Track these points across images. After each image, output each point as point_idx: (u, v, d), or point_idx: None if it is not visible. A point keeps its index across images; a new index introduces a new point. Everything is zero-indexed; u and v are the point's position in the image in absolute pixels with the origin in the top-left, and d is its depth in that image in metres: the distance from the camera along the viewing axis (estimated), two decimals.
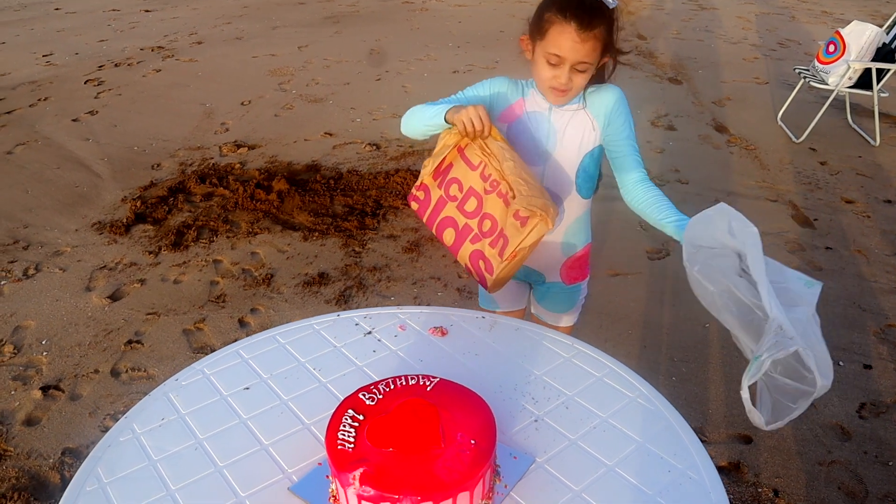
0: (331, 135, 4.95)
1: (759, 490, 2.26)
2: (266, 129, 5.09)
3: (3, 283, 3.31)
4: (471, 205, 1.53)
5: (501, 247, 1.45)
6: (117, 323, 2.99)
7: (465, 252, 1.53)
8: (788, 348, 1.08)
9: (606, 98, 1.62)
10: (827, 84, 4.74)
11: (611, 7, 1.48)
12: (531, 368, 1.34)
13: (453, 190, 1.57)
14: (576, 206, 1.73)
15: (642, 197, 1.62)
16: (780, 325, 1.10)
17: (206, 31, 8.04)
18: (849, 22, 4.76)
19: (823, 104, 4.87)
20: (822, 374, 1.10)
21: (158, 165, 4.50)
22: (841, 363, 2.81)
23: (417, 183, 1.66)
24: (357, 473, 0.98)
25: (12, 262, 3.47)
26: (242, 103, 5.62)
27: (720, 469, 2.33)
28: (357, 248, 3.52)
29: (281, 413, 1.24)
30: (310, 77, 6.23)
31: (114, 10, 9.46)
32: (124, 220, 3.78)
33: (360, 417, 1.07)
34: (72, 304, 3.13)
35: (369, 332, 1.45)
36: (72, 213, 3.92)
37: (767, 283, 1.13)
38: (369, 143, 4.77)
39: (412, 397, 1.10)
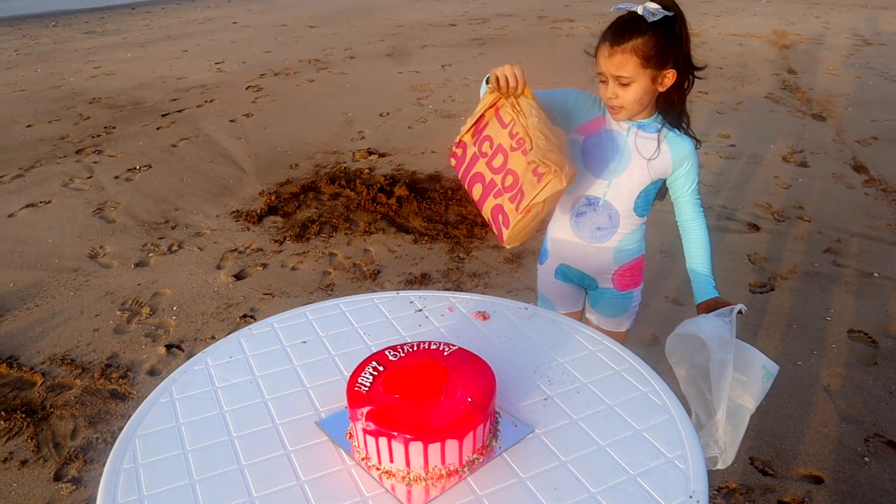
0: None
1: None
2: (398, 139, 5.42)
3: (151, 255, 3.79)
4: (498, 161, 1.58)
5: (518, 201, 1.51)
6: (237, 298, 3.36)
7: (487, 207, 1.60)
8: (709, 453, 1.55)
9: (683, 147, 1.75)
10: None
11: (650, 20, 1.57)
12: (555, 355, 1.46)
13: (485, 147, 1.63)
14: (631, 222, 1.86)
15: (688, 237, 1.82)
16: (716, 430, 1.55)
17: (360, 47, 8.61)
18: None
19: None
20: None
21: (296, 165, 4.93)
22: None
23: (456, 140, 1.73)
24: (365, 410, 1.15)
25: (161, 238, 3.96)
26: (381, 115, 6.01)
27: (780, 503, 2.30)
28: (462, 255, 3.72)
29: (326, 365, 1.44)
30: (447, 94, 6.55)
31: (283, 25, 10.32)
32: (258, 211, 4.19)
33: (381, 368, 1.25)
34: (202, 279, 3.54)
35: (420, 310, 1.63)
36: (216, 202, 4.40)
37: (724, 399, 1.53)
38: None
39: (428, 358, 1.27)
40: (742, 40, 8.62)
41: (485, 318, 1.59)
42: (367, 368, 1.25)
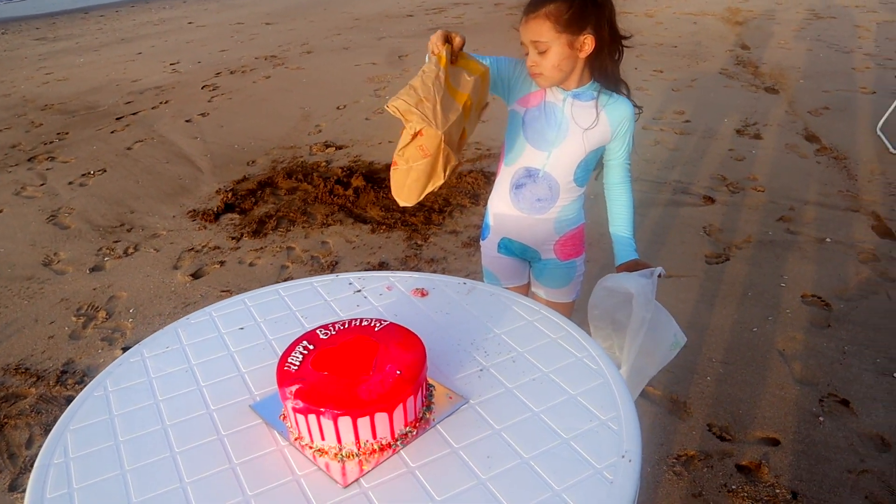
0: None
1: (777, 491, 2.24)
2: (355, 131, 5.39)
3: (106, 259, 3.73)
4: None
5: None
6: (195, 298, 3.32)
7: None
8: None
9: (621, 110, 1.76)
10: None
11: None
12: (492, 327, 1.46)
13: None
14: (570, 192, 1.87)
15: (613, 200, 1.89)
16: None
17: (318, 41, 8.55)
18: None
19: None
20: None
21: (253, 162, 4.89)
22: (895, 375, 2.72)
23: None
24: (293, 389, 1.14)
25: (116, 241, 3.91)
26: (338, 107, 5.97)
27: (739, 467, 2.33)
28: (419, 242, 3.71)
29: (263, 349, 1.43)
30: (404, 83, 6.50)
31: (239, 23, 10.21)
32: (215, 210, 4.15)
33: (311, 347, 1.24)
34: (159, 280, 3.49)
35: (359, 291, 1.62)
36: (172, 202, 4.35)
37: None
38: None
39: (358, 335, 1.26)
40: (696, 18, 8.70)
41: (423, 294, 1.58)
42: (297, 348, 1.24)
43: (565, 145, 1.79)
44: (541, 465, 1.12)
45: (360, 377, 1.16)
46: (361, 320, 1.31)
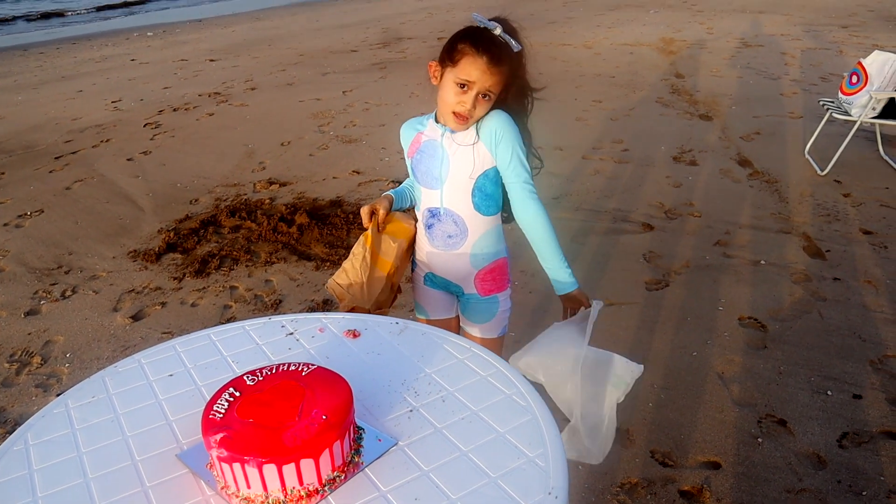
0: (358, 173, 5.20)
1: None
2: (300, 167, 5.38)
3: (42, 302, 3.63)
4: None
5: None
6: (134, 340, 3.25)
7: None
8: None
9: (490, 122, 1.79)
10: (850, 115, 4.71)
11: (515, 50, 1.71)
12: (423, 366, 1.47)
13: None
14: (479, 223, 1.89)
15: (526, 229, 1.85)
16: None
17: (262, 77, 8.54)
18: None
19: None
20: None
21: (196, 200, 4.84)
22: (829, 392, 2.80)
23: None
24: (217, 437, 1.13)
25: (53, 284, 3.81)
26: (282, 144, 5.96)
27: (682, 493, 2.36)
28: None
29: (192, 396, 1.41)
30: (348, 119, 6.55)
31: (182, 60, 10.13)
32: (156, 249, 4.09)
33: (237, 394, 1.23)
34: (98, 323, 3.41)
35: (291, 334, 1.61)
36: (112, 243, 4.27)
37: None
38: (393, 181, 5.00)
39: (286, 380, 1.26)
40: (633, 49, 8.95)
41: (355, 336, 1.59)
42: (223, 395, 1.23)
43: (452, 177, 1.84)
44: None
45: (285, 423, 1.16)
46: (289, 365, 1.31)
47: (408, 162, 1.96)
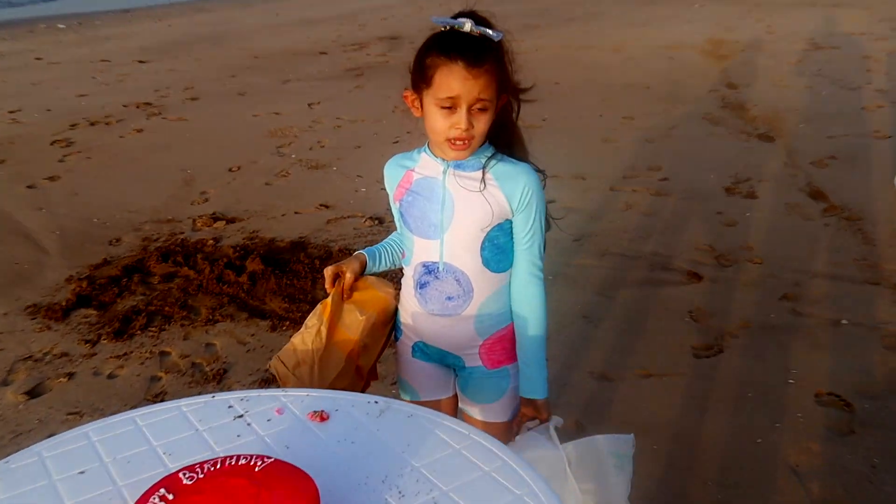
0: (327, 207, 5.24)
1: None
2: (252, 199, 5.42)
3: None
4: None
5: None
6: (31, 423, 3.22)
7: None
8: None
9: (515, 175, 1.83)
10: None
11: (496, 39, 1.72)
12: (409, 459, 1.45)
13: None
14: (488, 282, 1.90)
15: (517, 310, 1.93)
16: None
17: (206, 85, 8.65)
18: None
19: None
20: None
21: (118, 240, 4.85)
22: None
23: None
24: None
25: None
26: (231, 169, 6.01)
27: None
28: None
29: (111, 499, 1.39)
30: (315, 139, 6.63)
31: (104, 60, 10.26)
32: (63, 304, 4.08)
33: (170, 497, 1.21)
34: None
35: (240, 416, 1.60)
36: (4, 295, 4.26)
37: None
38: (371, 217, 5.03)
39: (234, 478, 1.24)
40: (672, 53, 9.13)
41: (323, 419, 1.57)
42: (152, 499, 1.22)
43: (457, 226, 1.84)
44: None
45: None
46: (238, 458, 1.30)
47: (394, 208, 1.97)
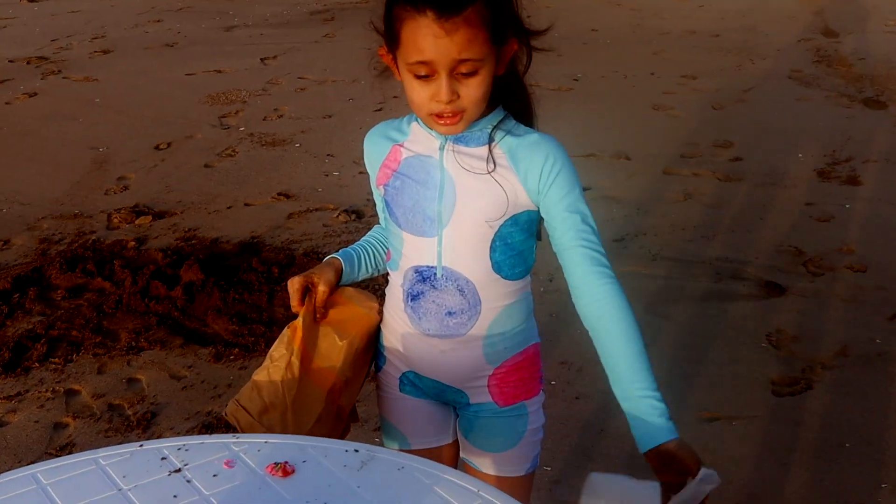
0: (288, 196, 5.28)
1: None
2: (187, 187, 5.46)
3: None
4: None
5: None
6: None
7: None
8: None
9: (537, 149, 1.82)
10: None
11: None
12: None
13: None
14: (500, 292, 1.91)
15: (588, 315, 1.80)
16: None
17: (121, 32, 8.68)
18: None
19: None
20: None
21: (6, 243, 4.89)
22: None
23: None
24: None
25: None
26: (158, 147, 6.05)
27: None
28: None
29: None
30: (271, 106, 6.67)
31: None
32: None
33: None
34: None
35: (178, 470, 1.66)
36: None
37: None
38: (346, 211, 5.08)
39: None
40: None
41: (286, 473, 1.63)
42: None
43: (460, 219, 1.85)
44: None
45: None
46: None
47: (377, 195, 2.00)
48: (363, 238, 2.16)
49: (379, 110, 6.28)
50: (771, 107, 6.30)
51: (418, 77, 1.71)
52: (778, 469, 3.23)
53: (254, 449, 1.72)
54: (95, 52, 8.11)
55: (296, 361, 1.91)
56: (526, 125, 1.87)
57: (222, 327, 4.08)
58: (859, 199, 5.07)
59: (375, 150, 1.97)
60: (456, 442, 2.13)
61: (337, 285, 2.02)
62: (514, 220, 1.83)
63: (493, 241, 1.84)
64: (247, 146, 6.01)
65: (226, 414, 1.96)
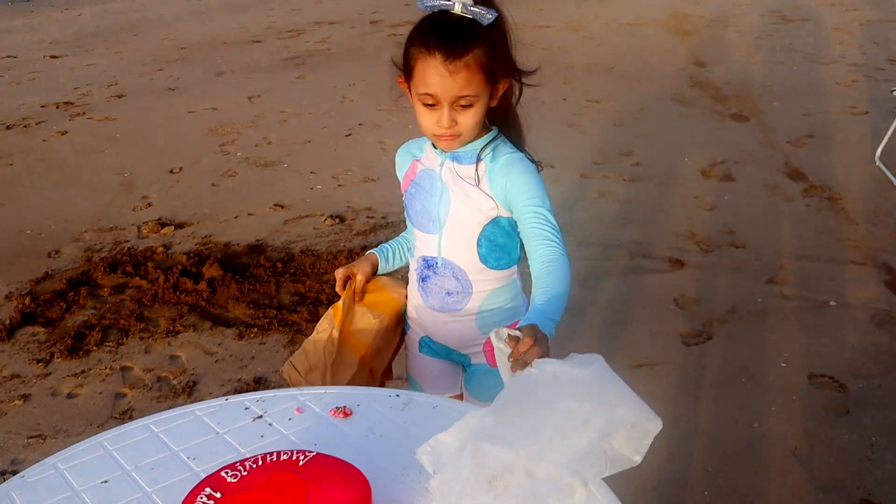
0: (282, 207, 5.31)
1: None
2: (200, 202, 5.46)
3: None
4: None
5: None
6: None
7: None
8: None
9: (504, 169, 1.89)
10: None
11: (486, 24, 1.75)
12: None
13: None
14: (487, 279, 2.02)
15: (537, 272, 1.80)
16: None
17: (130, 80, 8.60)
18: None
19: None
20: None
21: (57, 252, 4.87)
22: None
23: None
24: None
25: None
26: (172, 171, 6.03)
27: None
28: None
29: None
30: (260, 135, 6.68)
31: (9, 56, 10.09)
32: (7, 322, 4.10)
33: (218, 495, 1.32)
34: None
35: (260, 417, 1.70)
36: None
37: None
38: (331, 216, 5.12)
39: (280, 472, 1.35)
40: (635, 30, 9.34)
41: (346, 414, 1.68)
42: (199, 498, 1.32)
43: (453, 220, 1.97)
44: None
45: None
46: (279, 454, 1.40)
47: (404, 198, 2.10)
48: (399, 236, 2.26)
49: (349, 135, 6.33)
50: (661, 122, 6.47)
51: (426, 105, 1.82)
52: (692, 401, 3.34)
53: (316, 398, 1.78)
54: (112, 96, 8.06)
55: (336, 334, 2.06)
56: (515, 143, 1.97)
57: (241, 312, 4.11)
58: (734, 192, 5.23)
59: (402, 163, 2.10)
60: (461, 395, 2.22)
61: (374, 275, 2.16)
62: (494, 222, 1.95)
63: (479, 239, 1.97)
64: (244, 168, 6.03)
65: (282, 371, 2.12)
